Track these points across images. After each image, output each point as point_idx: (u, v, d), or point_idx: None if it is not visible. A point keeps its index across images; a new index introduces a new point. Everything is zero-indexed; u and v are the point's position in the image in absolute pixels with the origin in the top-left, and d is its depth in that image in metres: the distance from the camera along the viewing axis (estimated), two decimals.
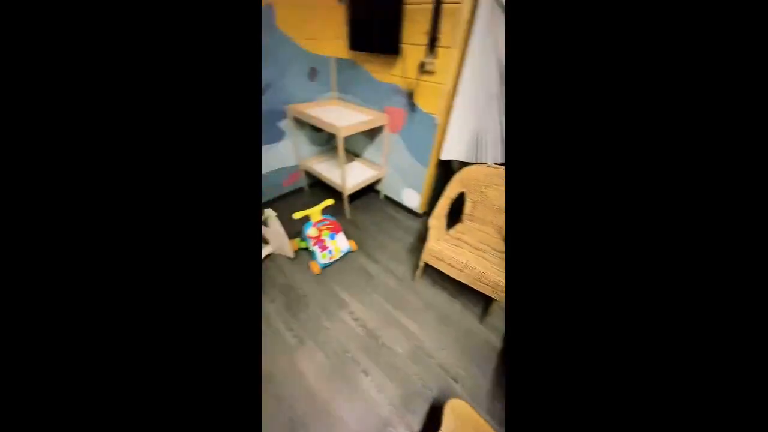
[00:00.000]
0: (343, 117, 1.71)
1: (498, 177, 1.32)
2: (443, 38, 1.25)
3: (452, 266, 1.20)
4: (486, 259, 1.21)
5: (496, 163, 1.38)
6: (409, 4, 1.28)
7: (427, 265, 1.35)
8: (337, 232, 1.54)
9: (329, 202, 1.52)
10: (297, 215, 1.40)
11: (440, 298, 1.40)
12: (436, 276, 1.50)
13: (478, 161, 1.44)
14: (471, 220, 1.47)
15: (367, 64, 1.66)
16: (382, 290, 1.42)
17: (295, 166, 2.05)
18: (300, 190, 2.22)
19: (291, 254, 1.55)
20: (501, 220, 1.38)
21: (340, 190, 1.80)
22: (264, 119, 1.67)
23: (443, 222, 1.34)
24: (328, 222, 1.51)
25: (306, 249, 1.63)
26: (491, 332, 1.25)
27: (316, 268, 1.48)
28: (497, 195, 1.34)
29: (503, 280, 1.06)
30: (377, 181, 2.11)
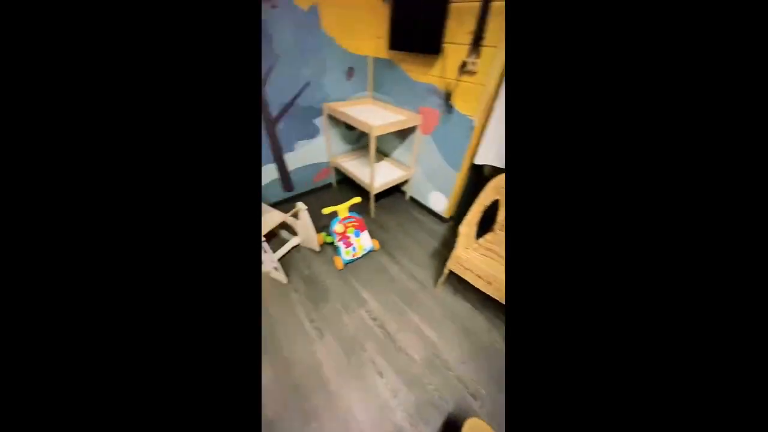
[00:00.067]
0: (376, 116, 1.72)
1: None
2: (488, 37, 1.19)
3: (480, 277, 1.15)
4: None
5: None
6: (455, 2, 1.24)
7: (450, 272, 1.30)
8: (362, 230, 1.55)
9: (357, 199, 1.54)
10: (326, 210, 1.44)
11: (462, 308, 1.35)
12: (458, 285, 1.45)
13: None
14: (503, 230, 1.39)
15: (404, 63, 1.64)
16: (402, 293, 1.41)
17: (326, 163, 2.11)
18: (328, 186, 2.27)
19: (317, 247, 1.59)
20: None
21: (367, 188, 1.81)
22: (302, 116, 1.73)
23: (474, 230, 1.28)
24: (354, 219, 1.52)
25: (331, 244, 1.66)
26: None
27: (339, 263, 1.51)
28: None
29: None
30: (404, 182, 2.09)
